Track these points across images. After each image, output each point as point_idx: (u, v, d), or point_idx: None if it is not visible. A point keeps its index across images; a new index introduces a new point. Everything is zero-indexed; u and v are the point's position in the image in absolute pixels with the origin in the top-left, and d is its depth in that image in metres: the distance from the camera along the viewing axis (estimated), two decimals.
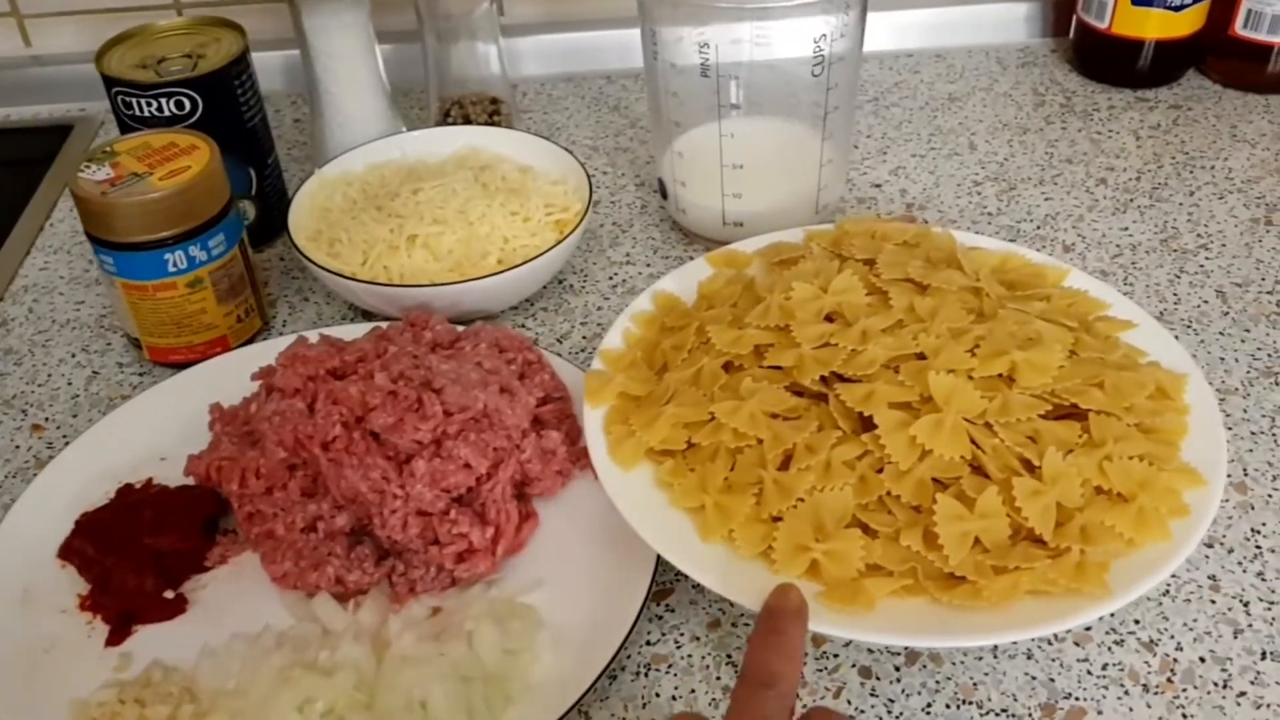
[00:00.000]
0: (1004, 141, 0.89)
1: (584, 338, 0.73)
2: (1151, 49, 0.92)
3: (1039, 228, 0.79)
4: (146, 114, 0.73)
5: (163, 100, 0.73)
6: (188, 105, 0.73)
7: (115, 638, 0.55)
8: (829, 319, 0.59)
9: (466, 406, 0.57)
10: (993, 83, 0.96)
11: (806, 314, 0.58)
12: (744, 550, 0.51)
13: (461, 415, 0.57)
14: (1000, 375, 0.54)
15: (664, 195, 0.79)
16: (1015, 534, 0.50)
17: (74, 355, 0.74)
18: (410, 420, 0.56)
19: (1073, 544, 0.49)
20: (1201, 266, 0.75)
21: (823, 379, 0.55)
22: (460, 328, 0.68)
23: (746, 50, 0.70)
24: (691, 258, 0.77)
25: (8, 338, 0.75)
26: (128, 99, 0.73)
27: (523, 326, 0.74)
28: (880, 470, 0.52)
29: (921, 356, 0.55)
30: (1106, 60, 0.94)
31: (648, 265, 0.78)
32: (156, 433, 0.65)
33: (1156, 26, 0.91)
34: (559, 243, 0.71)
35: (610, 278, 0.78)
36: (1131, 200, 0.82)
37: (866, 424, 0.53)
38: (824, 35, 0.68)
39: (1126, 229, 0.79)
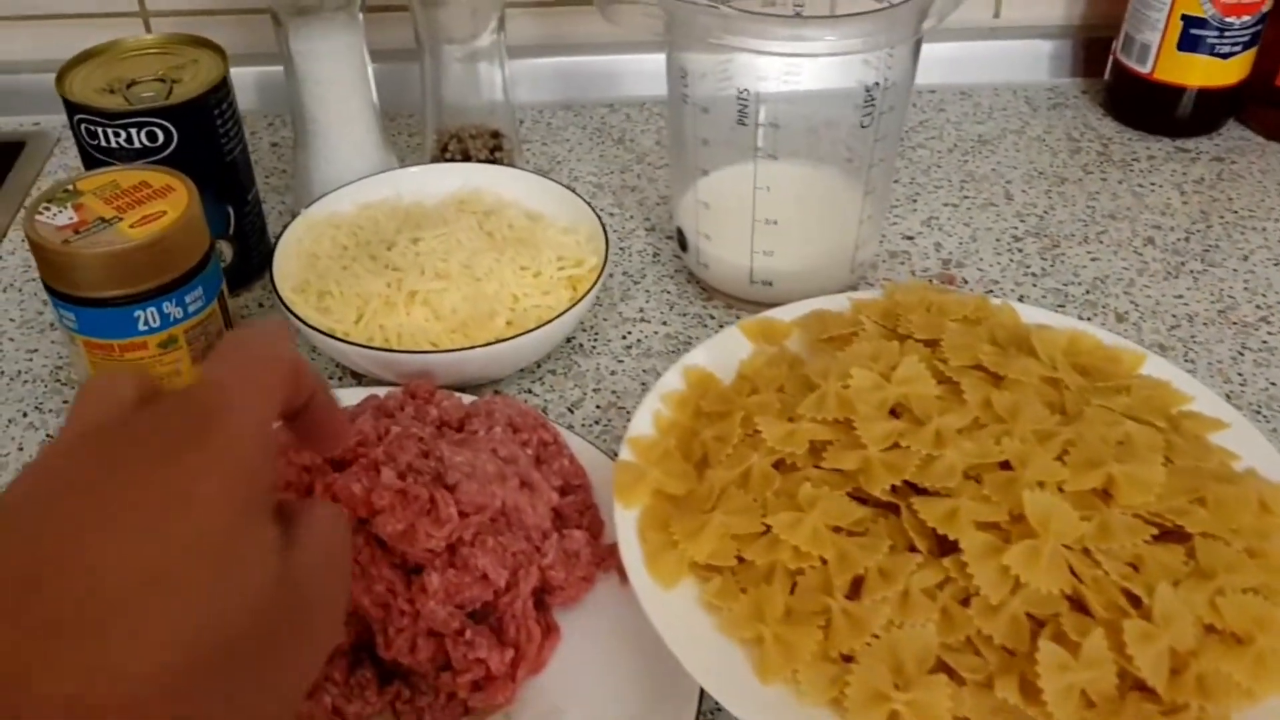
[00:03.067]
0: (1041, 192, 0.83)
1: (598, 407, 0.66)
2: (1193, 97, 0.86)
3: (1088, 292, 0.74)
4: (113, 145, 0.65)
5: (133, 130, 0.65)
6: (160, 137, 0.65)
7: None
8: (894, 413, 0.53)
9: (484, 505, 0.50)
10: (1024, 125, 0.90)
11: (869, 407, 0.52)
12: (811, 696, 0.44)
13: (478, 516, 0.50)
14: (1095, 490, 0.48)
15: (683, 247, 0.73)
16: (1122, 681, 0.44)
17: (25, 415, 0.65)
18: (423, 526, 0.48)
19: (1190, 699, 0.43)
20: (1265, 343, 0.70)
21: (893, 487, 0.49)
22: (465, 397, 0.61)
23: (789, 97, 0.63)
24: (712, 316, 0.71)
25: None
26: (92, 127, 0.65)
27: (529, 393, 0.67)
28: (965, 602, 0.46)
29: (1006, 465, 0.49)
30: (1144, 106, 0.89)
31: (664, 323, 0.72)
32: None
33: (1201, 74, 0.85)
34: (574, 304, 0.64)
35: (624, 336, 0.71)
36: (1183, 264, 0.76)
37: (944, 541, 0.47)
38: (877, 84, 0.62)
39: (1181, 296, 0.73)
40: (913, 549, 0.48)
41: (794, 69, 0.62)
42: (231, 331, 0.46)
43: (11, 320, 0.72)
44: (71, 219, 0.58)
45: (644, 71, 0.93)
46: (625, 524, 0.51)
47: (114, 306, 0.58)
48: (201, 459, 0.31)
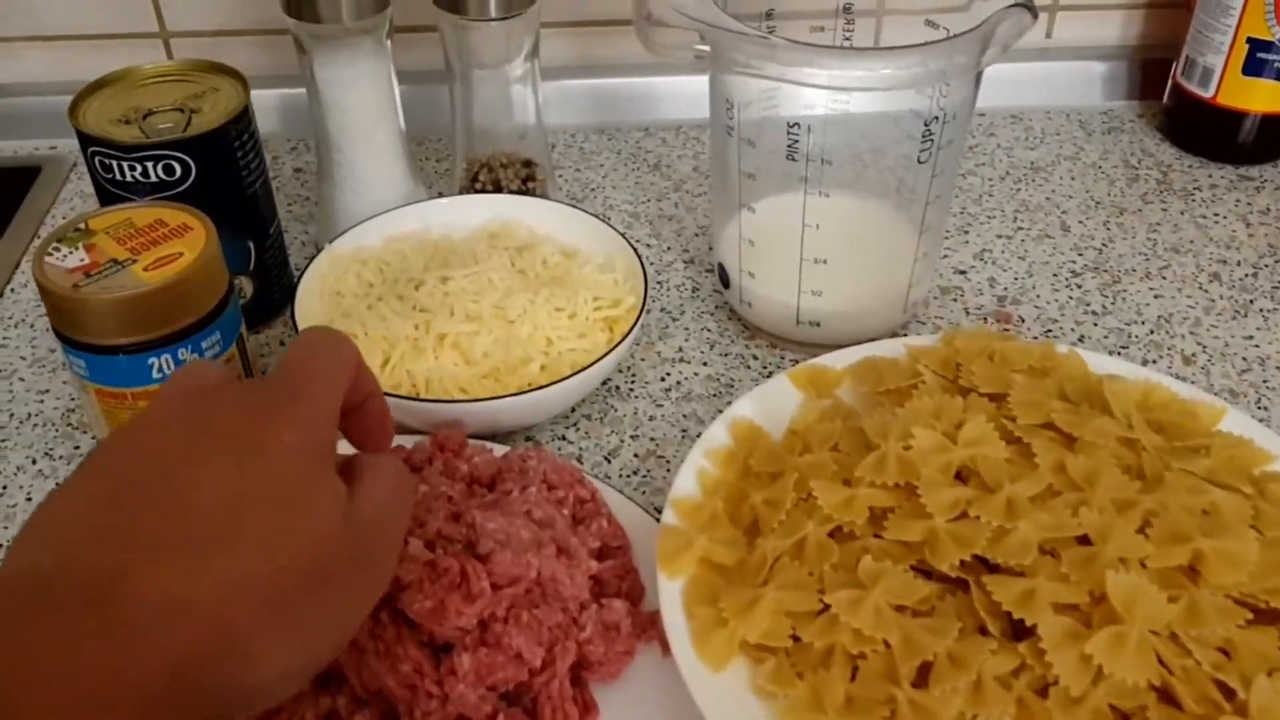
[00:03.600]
0: (1099, 223, 0.79)
1: (636, 456, 0.62)
2: (1257, 123, 0.82)
3: (1152, 332, 0.70)
4: (129, 179, 0.62)
5: (149, 164, 0.62)
6: (178, 170, 0.62)
7: None
8: (959, 476, 0.49)
9: (518, 577, 0.47)
10: (1078, 151, 0.86)
11: (934, 471, 0.48)
12: None
13: (512, 589, 0.47)
14: (1181, 567, 0.44)
15: (725, 283, 0.69)
16: None
17: (34, 461, 0.62)
18: (453, 603, 0.45)
19: None
20: None
21: (962, 562, 0.45)
22: (497, 448, 0.58)
23: (841, 129, 0.60)
24: (755, 356, 0.67)
25: None
26: (107, 160, 0.62)
27: (563, 439, 0.63)
28: (1043, 692, 0.42)
29: (1084, 538, 0.45)
30: (1206, 132, 0.85)
31: (704, 364, 0.68)
32: None
33: (1265, 99, 0.81)
34: (611, 349, 0.60)
35: (662, 379, 0.67)
36: (1252, 302, 0.72)
37: (1019, 623, 0.43)
38: (936, 118, 0.58)
39: (1251, 337, 0.69)
40: (983, 631, 0.44)
41: (844, 98, 0.59)
42: (304, 331, 0.52)
43: (23, 359, 0.69)
44: (82, 260, 0.55)
45: (680, 94, 0.90)
46: (670, 596, 0.47)
47: (127, 354, 0.55)
48: (286, 419, 0.37)
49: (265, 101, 0.86)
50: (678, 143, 0.89)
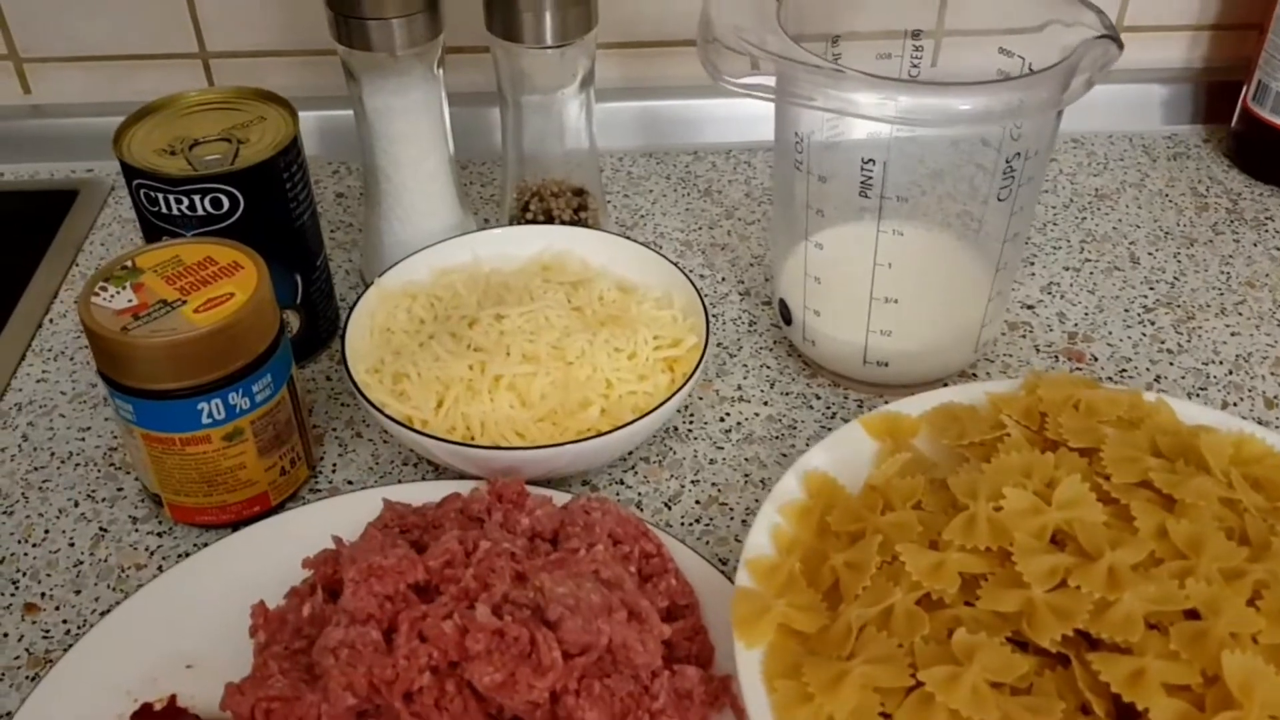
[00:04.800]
0: (1169, 255, 0.76)
1: (697, 502, 0.60)
2: None
3: (1230, 372, 0.67)
4: (175, 212, 0.60)
5: (196, 197, 0.59)
6: (226, 204, 0.60)
7: None
8: (1054, 539, 0.46)
9: (589, 645, 0.44)
10: (1143, 178, 0.84)
11: (1028, 535, 0.45)
12: None
13: (584, 659, 0.44)
14: None
15: (786, 320, 0.66)
16: None
17: (76, 504, 0.60)
18: (524, 675, 0.43)
19: None
20: None
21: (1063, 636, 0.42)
22: (557, 496, 0.55)
23: (918, 166, 0.57)
24: (818, 395, 0.65)
25: None
26: (153, 193, 0.60)
27: (621, 484, 0.61)
28: None
29: (1192, 612, 0.43)
30: (1275, 158, 0.82)
31: (765, 403, 0.66)
32: (180, 630, 0.52)
33: None
34: (674, 394, 0.58)
35: (721, 419, 0.65)
36: None
37: (1120, 701, 0.41)
38: (1019, 154, 0.56)
39: None
40: (1085, 709, 0.42)
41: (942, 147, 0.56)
42: None
43: (63, 394, 0.67)
44: (131, 301, 0.53)
45: (729, 116, 0.88)
46: (749, 666, 0.45)
47: (176, 399, 0.53)
48: None
49: (306, 124, 0.82)
50: (728, 167, 0.86)
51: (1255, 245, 0.77)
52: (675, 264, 0.66)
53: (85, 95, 0.87)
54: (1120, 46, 0.55)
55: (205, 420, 0.54)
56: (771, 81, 0.55)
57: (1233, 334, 0.70)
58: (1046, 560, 0.44)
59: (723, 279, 0.75)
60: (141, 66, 0.86)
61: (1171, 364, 0.68)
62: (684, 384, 0.58)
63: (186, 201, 0.60)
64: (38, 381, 0.68)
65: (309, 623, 0.49)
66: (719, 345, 0.70)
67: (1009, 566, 0.45)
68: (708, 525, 0.59)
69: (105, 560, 0.57)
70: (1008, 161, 0.55)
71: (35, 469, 0.62)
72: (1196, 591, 0.43)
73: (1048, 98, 0.54)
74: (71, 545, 0.58)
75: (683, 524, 0.59)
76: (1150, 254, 0.76)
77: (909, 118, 0.53)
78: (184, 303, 0.53)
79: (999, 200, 0.57)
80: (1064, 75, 0.53)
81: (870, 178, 0.56)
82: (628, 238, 0.69)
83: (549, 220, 0.71)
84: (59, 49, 0.86)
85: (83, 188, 0.83)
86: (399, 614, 0.45)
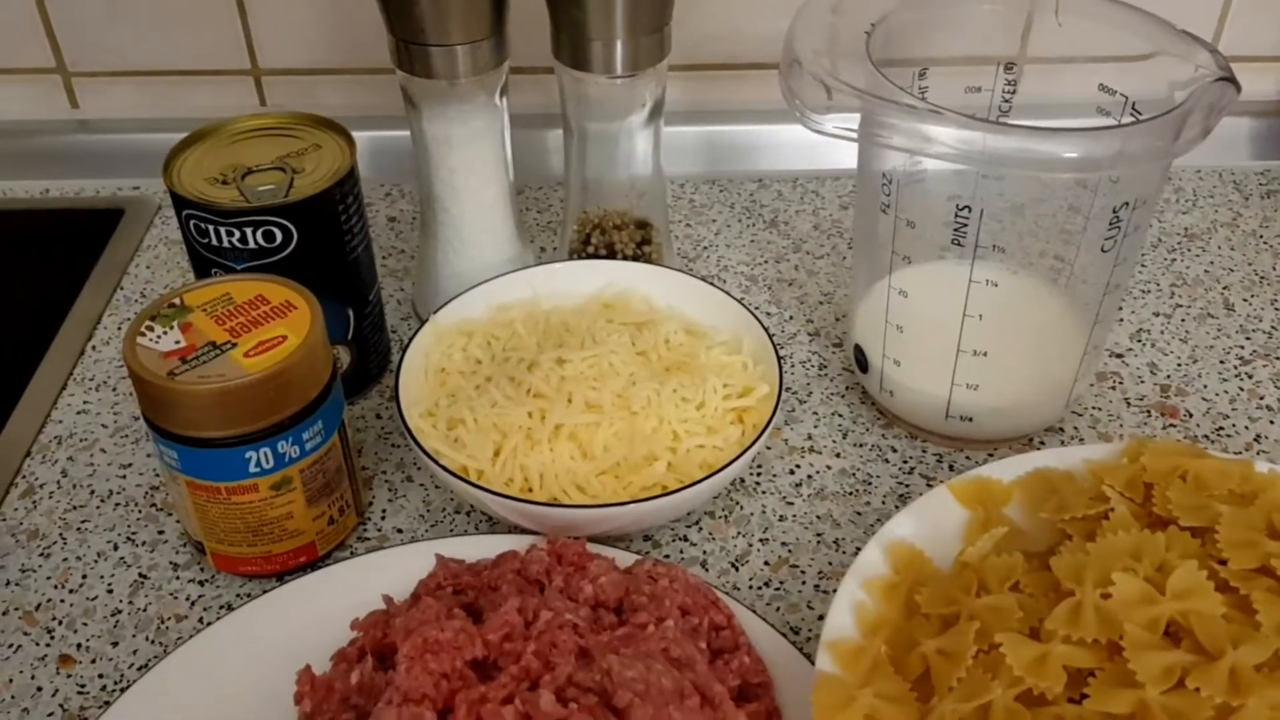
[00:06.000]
0: (1266, 301, 0.72)
1: (766, 564, 0.56)
2: None
3: None
4: (226, 244, 0.57)
5: (248, 230, 0.57)
6: (279, 237, 0.57)
7: None
8: (1167, 632, 0.42)
9: None
10: (1235, 217, 0.79)
11: (1139, 627, 0.42)
12: None
13: None
14: None
15: (862, 367, 0.63)
16: None
17: (115, 547, 0.58)
18: None
19: None
20: None
21: None
22: (620, 557, 0.52)
23: (1016, 213, 0.54)
24: (894, 448, 0.61)
25: (33, 513, 0.59)
26: (203, 225, 0.57)
27: (685, 540, 0.58)
28: None
29: None
30: None
31: (837, 455, 0.62)
32: (221, 693, 0.49)
33: None
34: (745, 451, 0.54)
35: (791, 471, 0.61)
36: None
37: None
38: (1126, 204, 0.52)
39: None
40: None
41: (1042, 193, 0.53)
42: None
43: (104, 426, 0.64)
44: (178, 343, 0.50)
45: (795, 142, 0.84)
46: None
47: (223, 447, 0.50)
48: None
49: (359, 146, 0.81)
50: (794, 196, 0.83)
51: None
52: (745, 305, 0.62)
53: (134, 111, 0.85)
54: (1238, 89, 0.51)
55: (253, 469, 0.51)
56: (856, 122, 0.51)
57: None
58: (1162, 657, 0.41)
59: (790, 317, 0.72)
60: (191, 83, 0.84)
61: (1272, 422, 0.63)
62: (755, 440, 0.54)
63: (238, 234, 0.57)
64: (78, 413, 0.65)
65: (357, 691, 0.46)
66: (788, 390, 0.66)
67: (1119, 661, 0.41)
68: (778, 590, 0.55)
69: (144, 610, 0.54)
70: (1114, 211, 0.52)
71: (74, 508, 0.60)
72: None
73: (1161, 146, 0.50)
74: (110, 592, 0.55)
75: (751, 587, 0.55)
76: (1245, 300, 0.72)
77: (1008, 162, 0.49)
78: (234, 345, 0.50)
79: (1103, 251, 0.53)
80: (1178, 122, 0.49)
81: (964, 224, 0.53)
82: (694, 274, 0.66)
83: (611, 254, 0.68)
84: (108, 64, 0.84)
85: (129, 206, 0.81)
86: (455, 694, 0.42)
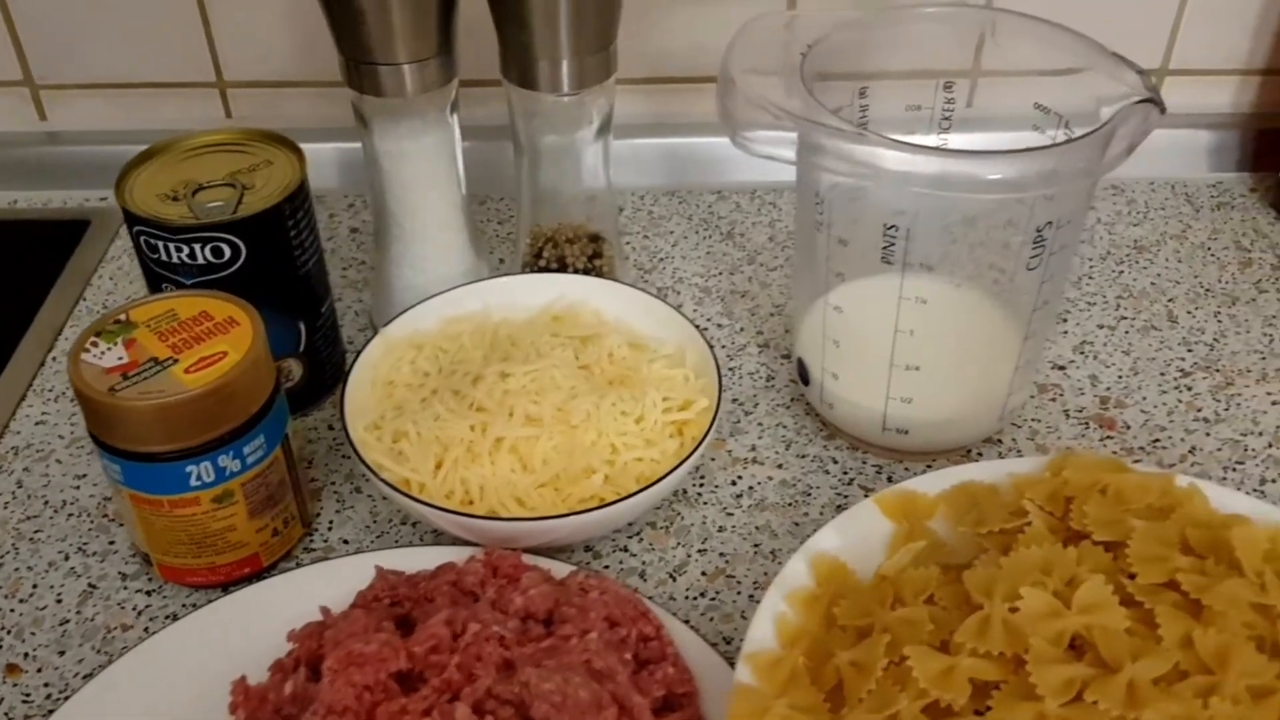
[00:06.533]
0: (1210, 314, 0.73)
1: (703, 574, 0.58)
2: None
3: (1270, 445, 0.64)
4: (175, 260, 0.59)
5: (197, 246, 0.58)
6: (227, 253, 0.58)
7: None
8: (1073, 644, 0.44)
9: None
10: (1185, 229, 0.80)
11: (1044, 641, 0.43)
12: None
13: None
14: None
15: (804, 380, 0.64)
16: None
17: (67, 557, 0.59)
18: None
19: None
20: None
21: None
22: (556, 568, 0.53)
23: (944, 232, 0.55)
24: (834, 459, 0.63)
25: None
26: (153, 241, 0.58)
27: (625, 550, 0.59)
28: None
29: None
30: None
31: (779, 466, 0.63)
32: (162, 701, 0.50)
33: None
34: (680, 463, 0.55)
35: (733, 482, 0.62)
36: None
37: None
38: (1049, 223, 0.53)
39: None
40: None
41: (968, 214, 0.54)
42: None
43: (60, 438, 0.65)
44: (121, 359, 0.52)
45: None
46: None
47: (164, 461, 0.51)
48: None
49: (323, 155, 0.83)
50: (752, 208, 0.84)
51: None
52: (690, 320, 0.63)
53: (101, 123, 0.86)
54: (1162, 110, 0.52)
55: (194, 483, 0.52)
56: (791, 153, 0.53)
57: (1274, 402, 0.66)
58: (1063, 670, 0.42)
59: (741, 329, 0.73)
60: (158, 95, 0.85)
61: (1208, 434, 0.64)
62: (690, 454, 0.56)
63: (187, 250, 0.58)
64: (36, 424, 0.66)
65: (290, 701, 0.47)
66: (735, 401, 0.67)
67: (1023, 674, 0.42)
68: (713, 600, 0.56)
69: (92, 620, 0.56)
70: (1038, 230, 0.53)
71: (28, 518, 0.61)
72: (1221, 712, 0.40)
73: (1084, 166, 0.51)
74: (59, 602, 0.57)
75: (687, 598, 0.56)
76: (1189, 312, 0.73)
77: (936, 184, 0.51)
78: (175, 361, 0.51)
79: (1028, 270, 0.54)
80: (1100, 143, 0.51)
81: (893, 244, 0.54)
82: (641, 289, 0.67)
83: (562, 267, 0.69)
84: (75, 76, 0.85)
85: (95, 217, 0.82)
86: (377, 707, 0.43)
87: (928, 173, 0.50)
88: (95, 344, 0.52)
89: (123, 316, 0.54)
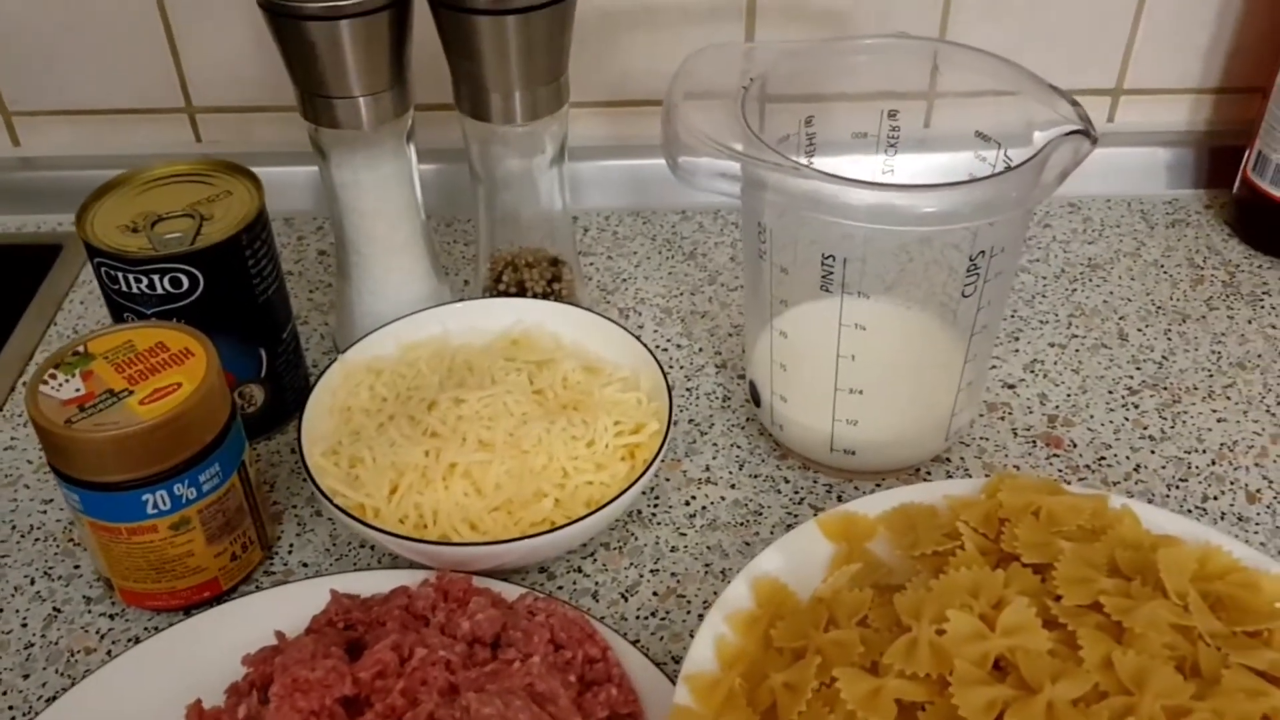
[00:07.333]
0: (1160, 331, 0.74)
1: (655, 594, 0.59)
2: None
3: (1213, 462, 0.65)
4: (135, 290, 0.60)
5: (155, 277, 0.59)
6: (186, 283, 0.60)
7: None
8: (998, 665, 0.45)
9: None
10: (1139, 246, 0.82)
11: (968, 664, 0.44)
12: None
13: None
14: None
15: (756, 402, 0.65)
16: None
17: (33, 581, 0.60)
18: None
19: None
20: None
21: None
22: (507, 590, 0.54)
23: (881, 261, 0.56)
24: (786, 479, 0.64)
25: None
26: (113, 272, 0.59)
27: (579, 571, 0.60)
28: None
29: None
30: (1276, 232, 0.80)
31: (732, 486, 0.64)
32: None
33: None
34: (629, 487, 0.57)
35: (687, 502, 0.64)
36: None
37: None
38: (982, 253, 0.54)
39: None
40: None
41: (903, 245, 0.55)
42: None
43: (29, 462, 0.67)
44: (78, 391, 0.53)
45: None
46: None
47: (120, 490, 0.53)
48: None
49: (293, 179, 0.84)
50: (715, 228, 0.85)
51: (1249, 322, 0.75)
52: (645, 344, 0.65)
53: (74, 149, 0.87)
54: (1093, 141, 0.53)
55: (150, 511, 0.53)
56: (735, 188, 0.54)
57: (1219, 420, 0.68)
58: (985, 692, 0.43)
59: (700, 349, 0.74)
60: (129, 121, 0.87)
61: (1153, 452, 0.66)
62: (638, 478, 0.57)
63: (146, 281, 0.59)
64: (5, 449, 0.68)
65: None
66: (691, 422, 0.69)
67: (948, 696, 0.43)
68: (663, 620, 0.58)
69: (56, 643, 0.57)
70: (971, 259, 0.54)
71: None
72: None
73: (1016, 196, 0.52)
74: (24, 626, 0.58)
75: (638, 617, 0.58)
76: (1140, 330, 0.74)
77: (872, 217, 0.52)
78: (130, 393, 0.53)
79: (964, 296, 0.56)
80: (1033, 173, 0.52)
81: (831, 272, 0.55)
82: (598, 313, 0.68)
83: (521, 291, 0.70)
84: (48, 103, 0.86)
85: (67, 242, 0.83)
86: None
87: (864, 205, 0.51)
88: (54, 375, 0.54)
89: (81, 348, 0.55)
